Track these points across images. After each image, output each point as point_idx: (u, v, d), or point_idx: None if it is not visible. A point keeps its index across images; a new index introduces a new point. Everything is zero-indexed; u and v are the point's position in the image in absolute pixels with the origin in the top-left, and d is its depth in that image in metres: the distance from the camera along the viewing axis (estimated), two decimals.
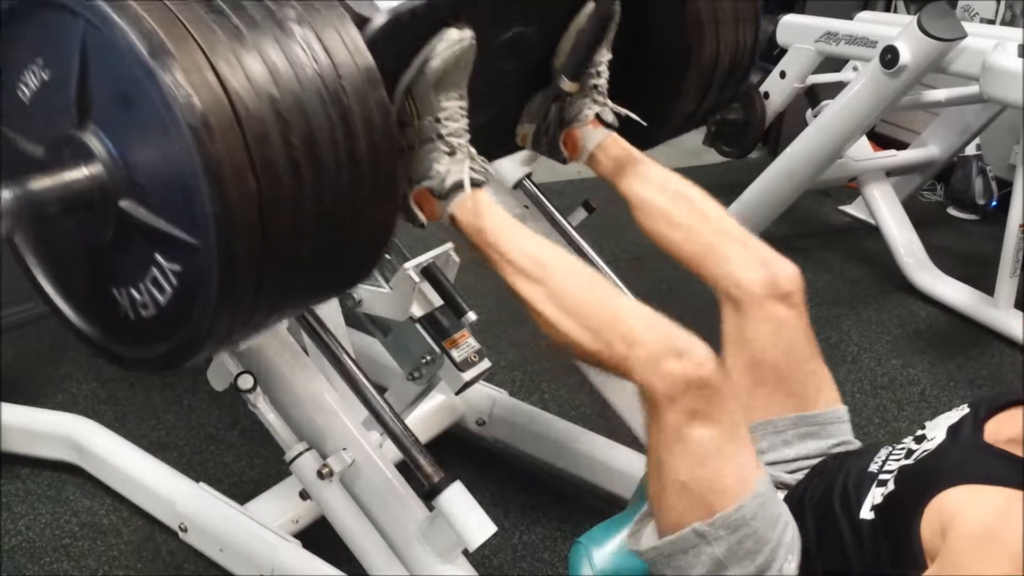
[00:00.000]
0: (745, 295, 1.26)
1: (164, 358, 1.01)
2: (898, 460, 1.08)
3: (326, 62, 0.92)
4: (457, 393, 1.50)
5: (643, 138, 1.44)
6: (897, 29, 2.55)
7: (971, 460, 1.01)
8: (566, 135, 1.43)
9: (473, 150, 1.21)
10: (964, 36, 2.46)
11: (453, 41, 1.14)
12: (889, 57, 2.50)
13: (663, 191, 1.38)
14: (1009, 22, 3.55)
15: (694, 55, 1.47)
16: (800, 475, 1.22)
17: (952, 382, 2.51)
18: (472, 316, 1.39)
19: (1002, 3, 3.58)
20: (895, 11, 3.82)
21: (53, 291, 1.11)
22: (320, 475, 1.33)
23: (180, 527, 1.71)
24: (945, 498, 0.95)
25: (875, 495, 1.04)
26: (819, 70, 3.06)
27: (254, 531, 1.61)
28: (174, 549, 1.74)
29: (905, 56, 2.48)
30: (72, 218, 0.98)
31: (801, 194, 3.08)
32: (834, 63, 3.14)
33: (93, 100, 0.93)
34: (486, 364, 1.45)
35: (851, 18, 2.94)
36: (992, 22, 3.57)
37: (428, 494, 1.28)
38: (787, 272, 1.27)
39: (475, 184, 1.19)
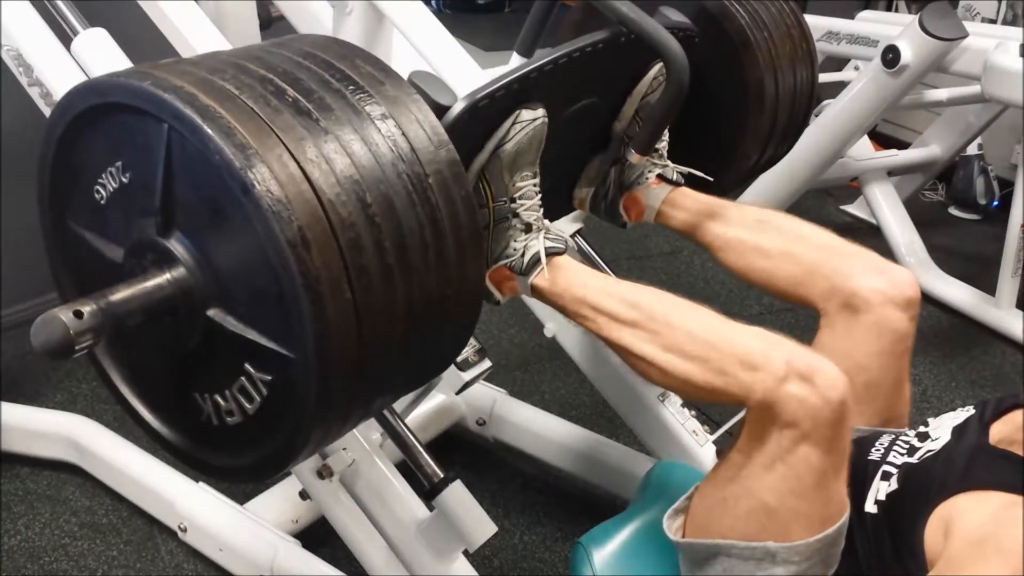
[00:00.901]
0: (863, 303, 1.21)
1: (255, 466, 0.97)
2: (902, 455, 1.08)
3: (411, 158, 0.88)
4: (458, 393, 1.50)
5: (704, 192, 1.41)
6: (898, 29, 2.55)
7: (976, 463, 1.01)
8: (627, 199, 1.39)
9: (547, 222, 1.19)
10: (965, 36, 2.46)
11: (526, 122, 1.12)
12: (891, 56, 2.50)
13: (745, 226, 1.33)
14: (1010, 22, 3.55)
15: (753, 116, 1.44)
16: None
17: (953, 382, 2.51)
18: None
19: (1003, 3, 3.57)
20: (896, 11, 3.82)
21: (132, 396, 1.07)
22: (320, 475, 1.33)
23: (180, 527, 1.71)
24: (951, 504, 0.95)
25: (879, 489, 1.04)
26: (820, 70, 3.04)
27: (254, 531, 1.61)
28: (174, 549, 1.74)
29: (906, 55, 2.48)
30: (155, 325, 0.93)
31: (802, 194, 3.08)
32: (835, 62, 3.14)
33: (178, 206, 0.89)
34: (487, 364, 1.45)
35: (852, 17, 2.94)
36: (993, 21, 3.56)
37: (428, 494, 1.28)
38: (906, 279, 1.24)
39: (553, 253, 1.16)
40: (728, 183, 1.53)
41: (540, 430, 1.95)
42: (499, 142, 1.12)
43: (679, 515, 1.13)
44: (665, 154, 1.38)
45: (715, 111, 1.44)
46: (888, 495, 1.03)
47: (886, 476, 1.05)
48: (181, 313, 0.91)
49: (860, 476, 1.07)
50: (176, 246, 0.89)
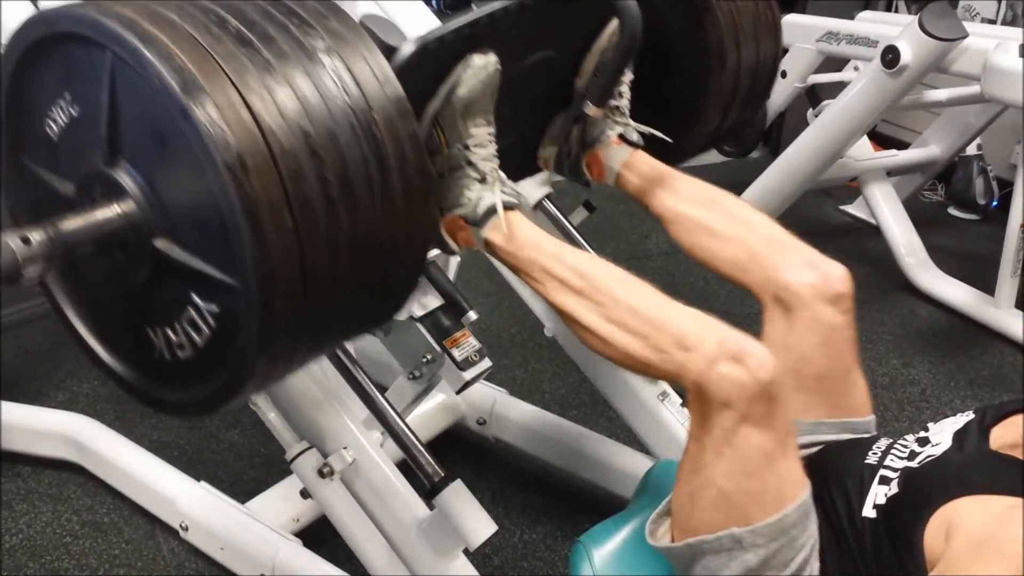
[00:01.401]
0: (795, 298, 1.23)
1: (204, 401, 0.98)
2: (901, 459, 1.08)
3: (356, 93, 0.89)
4: (458, 392, 1.50)
5: (664, 158, 1.42)
6: (898, 29, 2.55)
7: (976, 468, 1.01)
8: (589, 157, 1.41)
9: (503, 174, 1.20)
10: (965, 36, 2.46)
11: (478, 68, 1.12)
12: (890, 57, 2.51)
13: (697, 203, 1.35)
14: (1010, 22, 3.55)
15: (714, 78, 1.45)
16: None
17: (952, 382, 2.51)
18: (473, 315, 1.39)
19: (1003, 3, 3.58)
20: (896, 11, 3.82)
21: (85, 331, 1.08)
22: (321, 474, 1.33)
23: (181, 526, 1.71)
24: (951, 508, 0.95)
25: (877, 493, 1.04)
26: (820, 70, 3.06)
27: (255, 530, 1.61)
28: (175, 548, 1.74)
29: (906, 56, 2.48)
30: (104, 257, 0.95)
31: (802, 194, 3.09)
32: (835, 63, 3.14)
33: (124, 136, 0.90)
34: (487, 363, 1.45)
35: (852, 18, 2.94)
36: (993, 22, 3.57)
37: (429, 493, 1.28)
38: (837, 273, 1.25)
39: (507, 207, 1.17)
40: (692, 146, 1.55)
41: (540, 429, 1.95)
42: (451, 87, 1.13)
43: (664, 519, 1.14)
44: (627, 113, 1.40)
45: (677, 72, 1.46)
46: (888, 499, 1.03)
47: (885, 480, 1.05)
48: (130, 245, 0.92)
49: (857, 480, 1.08)
50: (123, 176, 0.91)
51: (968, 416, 1.11)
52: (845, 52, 2.88)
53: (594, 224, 1.85)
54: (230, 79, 0.82)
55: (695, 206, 1.35)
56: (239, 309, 0.88)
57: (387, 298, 1.04)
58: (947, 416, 1.16)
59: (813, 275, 1.24)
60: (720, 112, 1.52)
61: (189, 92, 0.80)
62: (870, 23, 2.87)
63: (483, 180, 1.17)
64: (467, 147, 1.16)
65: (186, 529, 1.70)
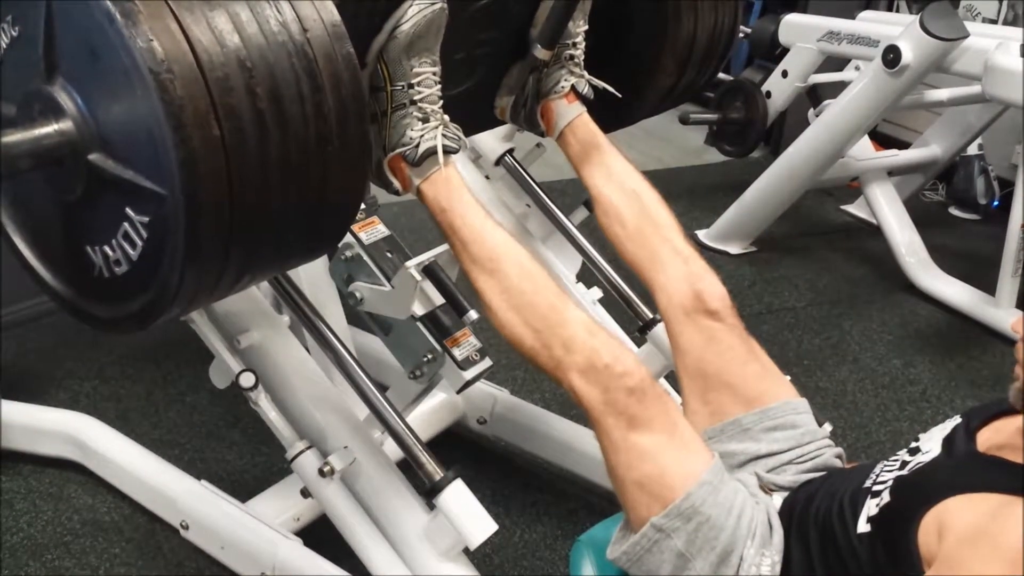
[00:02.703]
0: (674, 308, 1.32)
1: (135, 316, 1.02)
2: (892, 472, 1.08)
3: (291, 16, 0.93)
4: (458, 391, 1.50)
5: (621, 114, 1.45)
6: (899, 29, 2.55)
7: (966, 470, 1.01)
8: (543, 107, 1.44)
9: (447, 117, 1.22)
10: (966, 36, 2.46)
11: (424, 4, 1.14)
12: (891, 57, 2.51)
13: (621, 189, 1.41)
14: (1011, 22, 3.55)
15: (671, 30, 1.48)
16: (788, 474, 1.22)
17: (953, 382, 2.51)
18: (474, 315, 1.39)
19: (1004, 3, 3.58)
20: (897, 11, 3.82)
21: (28, 252, 1.12)
22: (321, 473, 1.33)
23: (181, 525, 1.71)
24: (942, 508, 0.96)
25: (870, 507, 1.04)
26: (821, 69, 3.06)
27: (255, 529, 1.61)
28: (175, 547, 1.74)
29: (907, 56, 2.48)
30: (43, 176, 0.99)
31: (803, 193, 3.09)
32: (836, 62, 3.14)
33: (60, 54, 0.93)
34: (487, 362, 1.45)
35: (853, 17, 2.94)
36: (994, 22, 3.56)
37: (429, 492, 1.28)
38: (714, 292, 1.31)
39: (448, 151, 1.20)
40: (650, 100, 1.59)
41: (541, 428, 1.95)
42: (396, 22, 1.15)
43: (627, 532, 1.15)
44: (581, 64, 1.42)
45: (633, 25, 1.50)
46: (880, 508, 1.03)
47: (876, 494, 1.05)
48: (67, 161, 0.95)
49: (853, 503, 1.07)
50: (60, 93, 0.94)
51: (955, 421, 1.11)
52: (846, 52, 2.88)
53: (594, 224, 1.84)
54: None
55: (619, 192, 1.41)
56: (168, 218, 0.91)
57: (323, 224, 1.06)
58: (947, 416, 1.16)
59: (689, 291, 1.31)
60: (676, 67, 1.54)
61: (119, 4, 0.84)
62: (871, 23, 2.87)
63: (425, 120, 1.19)
64: (411, 86, 1.18)
65: (187, 528, 1.70)
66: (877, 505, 1.03)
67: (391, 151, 1.21)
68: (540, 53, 1.37)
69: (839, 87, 2.88)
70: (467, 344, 1.44)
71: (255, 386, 1.32)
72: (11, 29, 0.99)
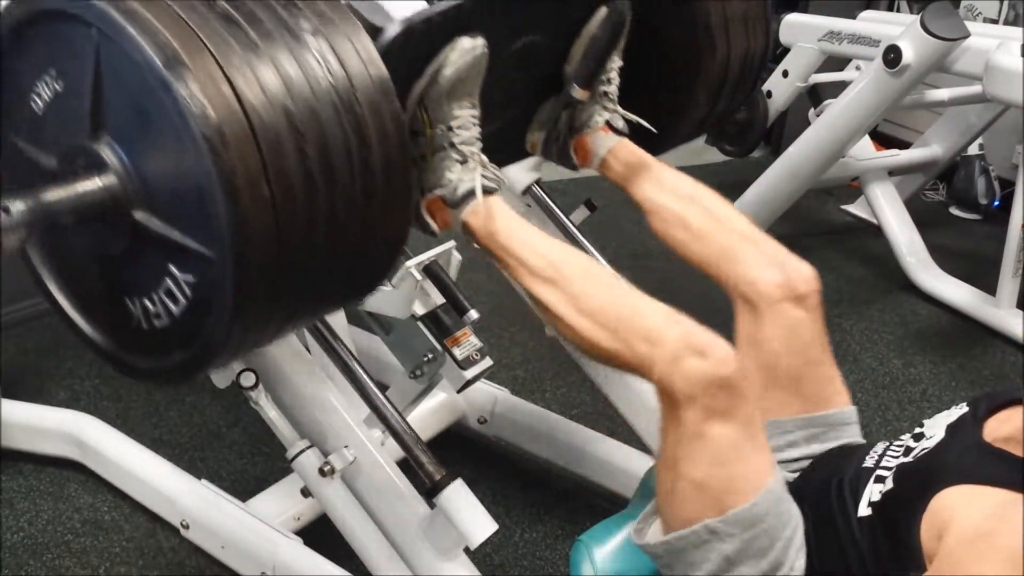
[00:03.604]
0: (760, 297, 1.25)
1: (178, 368, 1.00)
2: (896, 457, 1.08)
3: (340, 73, 0.92)
4: (459, 391, 1.50)
5: (654, 144, 1.43)
6: (900, 28, 2.55)
7: (969, 459, 1.01)
8: (576, 142, 1.42)
9: (485, 158, 1.21)
10: (967, 36, 2.45)
11: (465, 50, 1.13)
12: (892, 56, 2.50)
13: (676, 195, 1.37)
14: (1012, 22, 3.55)
15: (704, 62, 1.46)
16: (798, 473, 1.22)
17: (954, 382, 2.51)
18: (474, 314, 1.39)
19: (1005, 3, 3.57)
20: (898, 10, 3.82)
21: (64, 301, 1.10)
22: (322, 472, 1.33)
23: (182, 524, 1.71)
24: (943, 498, 0.95)
25: (873, 491, 1.04)
26: (822, 69, 3.06)
27: (256, 528, 1.61)
28: (176, 546, 1.74)
29: (908, 55, 2.48)
30: (85, 229, 0.97)
31: (803, 193, 3.08)
32: (837, 62, 3.14)
33: (107, 111, 0.92)
34: (488, 362, 1.45)
35: (854, 17, 2.94)
36: (995, 22, 3.56)
37: (429, 492, 1.28)
38: (803, 274, 1.26)
39: (487, 192, 1.18)
40: (681, 133, 1.57)
41: (541, 428, 1.95)
42: (438, 68, 1.14)
43: (652, 519, 1.15)
44: (615, 99, 1.41)
45: (666, 58, 1.47)
46: (883, 495, 1.03)
47: (880, 479, 1.05)
48: (110, 217, 0.95)
49: (853, 482, 1.08)
50: (105, 150, 0.93)
51: (962, 409, 1.11)
52: (847, 51, 2.88)
53: (595, 223, 1.85)
54: (213, 55, 0.85)
55: (674, 199, 1.37)
56: (215, 279, 0.90)
57: (365, 273, 1.06)
58: None
59: (778, 274, 1.26)
60: (709, 98, 1.53)
61: (171, 66, 0.83)
62: (872, 22, 2.87)
63: (464, 162, 1.18)
64: (450, 129, 1.17)
65: (187, 527, 1.70)
66: (880, 491, 1.03)
67: (429, 192, 1.19)
68: (578, 93, 1.35)
69: (840, 87, 2.88)
70: (467, 344, 1.44)
71: (255, 385, 1.32)
72: (55, 83, 0.97)
